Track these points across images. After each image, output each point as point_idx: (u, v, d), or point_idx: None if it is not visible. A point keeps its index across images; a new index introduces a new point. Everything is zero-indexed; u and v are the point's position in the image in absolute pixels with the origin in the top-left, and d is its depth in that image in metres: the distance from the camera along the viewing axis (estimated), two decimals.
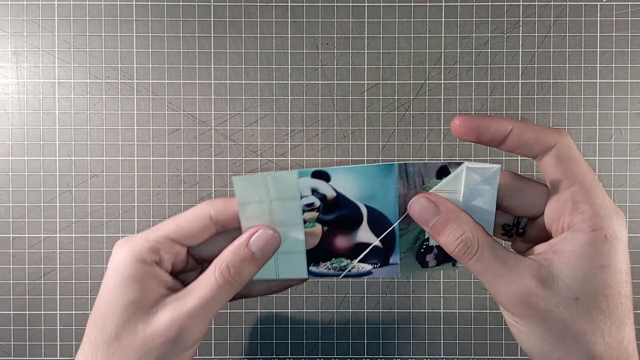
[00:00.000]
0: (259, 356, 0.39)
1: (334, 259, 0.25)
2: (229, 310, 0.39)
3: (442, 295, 0.39)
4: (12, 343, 0.38)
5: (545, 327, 0.21)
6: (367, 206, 0.23)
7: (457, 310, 0.39)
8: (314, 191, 0.23)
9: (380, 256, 0.25)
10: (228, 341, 0.39)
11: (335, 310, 0.39)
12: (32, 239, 0.38)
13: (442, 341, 0.39)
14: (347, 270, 0.25)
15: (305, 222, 0.24)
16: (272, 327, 0.39)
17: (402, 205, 0.23)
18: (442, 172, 0.23)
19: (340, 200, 0.23)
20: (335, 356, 0.39)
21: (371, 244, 0.24)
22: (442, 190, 0.23)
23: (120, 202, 0.39)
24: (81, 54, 0.39)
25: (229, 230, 0.25)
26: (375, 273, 0.25)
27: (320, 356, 0.39)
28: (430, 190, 0.23)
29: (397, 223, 0.23)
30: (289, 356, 0.39)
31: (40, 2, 0.38)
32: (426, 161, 0.23)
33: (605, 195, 0.21)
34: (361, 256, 0.24)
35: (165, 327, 0.22)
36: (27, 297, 0.38)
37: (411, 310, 0.39)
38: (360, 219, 0.24)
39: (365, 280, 0.39)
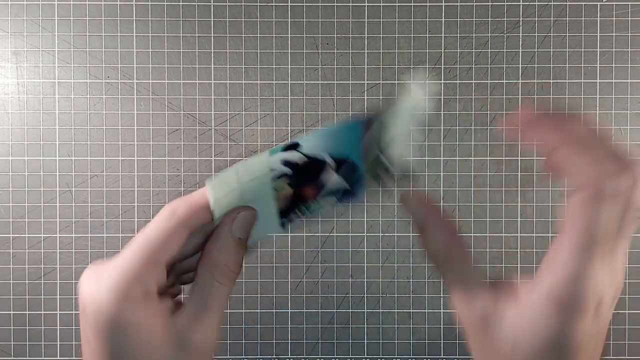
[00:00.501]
0: (259, 356, 0.39)
1: (301, 205, 0.25)
2: (229, 311, 0.39)
3: (442, 295, 0.39)
4: (12, 343, 0.38)
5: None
6: (330, 155, 0.24)
7: (457, 311, 0.39)
8: (285, 163, 0.24)
9: (349, 195, 0.26)
10: (228, 341, 0.39)
11: (335, 310, 0.39)
12: (32, 239, 0.38)
13: (442, 341, 0.39)
14: (311, 208, 0.26)
15: (276, 189, 0.24)
16: (272, 327, 0.39)
17: (363, 148, 0.24)
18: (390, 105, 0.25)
19: (309, 160, 0.24)
20: (335, 356, 0.39)
21: (341, 189, 0.25)
22: (392, 116, 0.25)
23: (120, 202, 0.39)
24: (81, 54, 0.39)
25: (200, 228, 0.24)
26: (342, 201, 0.26)
27: (320, 356, 0.39)
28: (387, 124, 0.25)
29: (361, 164, 0.25)
30: (289, 356, 0.39)
31: (40, 2, 0.38)
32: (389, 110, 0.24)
33: (590, 265, 0.19)
34: (325, 190, 0.25)
35: (202, 351, 0.22)
36: (27, 297, 0.38)
37: (411, 310, 0.39)
38: (322, 163, 0.24)
39: (365, 280, 0.39)
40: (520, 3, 0.39)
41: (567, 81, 0.39)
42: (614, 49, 0.39)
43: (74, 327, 0.38)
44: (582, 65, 0.39)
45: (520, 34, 0.39)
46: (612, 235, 0.19)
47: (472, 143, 0.39)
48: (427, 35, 0.39)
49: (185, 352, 0.22)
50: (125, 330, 0.21)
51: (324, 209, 0.26)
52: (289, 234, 0.39)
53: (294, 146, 0.24)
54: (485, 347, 0.21)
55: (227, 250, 0.23)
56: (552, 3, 0.39)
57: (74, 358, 0.38)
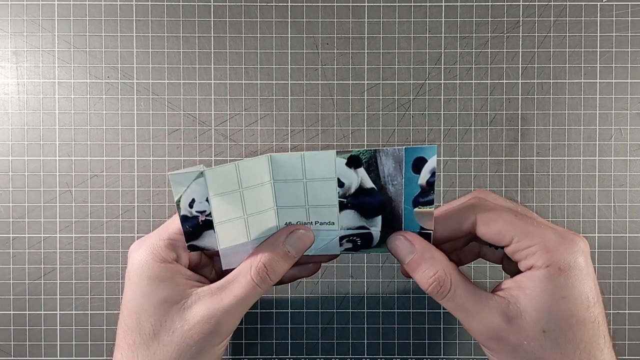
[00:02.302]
0: (259, 356, 0.39)
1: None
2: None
3: None
4: (12, 343, 0.38)
5: (517, 359, 0.22)
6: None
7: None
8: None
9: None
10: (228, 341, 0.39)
11: (335, 310, 0.39)
12: (32, 239, 0.38)
13: (442, 341, 0.39)
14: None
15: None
16: (272, 327, 0.39)
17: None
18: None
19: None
20: (335, 356, 0.39)
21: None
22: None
23: (120, 202, 0.39)
24: (81, 54, 0.39)
25: None
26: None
27: (320, 356, 0.39)
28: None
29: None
30: (289, 356, 0.39)
31: (40, 2, 0.38)
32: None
33: (546, 232, 0.22)
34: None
35: (203, 322, 0.23)
36: (27, 297, 0.38)
37: (411, 310, 0.39)
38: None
39: (365, 280, 0.39)
40: (520, 3, 0.39)
41: (567, 81, 0.39)
42: (614, 49, 0.39)
43: (74, 327, 0.38)
44: (582, 65, 0.39)
45: (520, 34, 0.39)
46: (514, 211, 0.25)
47: (472, 143, 0.39)
48: (427, 35, 0.39)
49: (184, 319, 0.23)
50: (149, 279, 0.24)
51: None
52: None
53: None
54: (515, 349, 0.22)
55: (272, 254, 0.24)
56: (552, 3, 0.39)
57: (74, 358, 0.38)
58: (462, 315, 0.23)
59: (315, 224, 0.25)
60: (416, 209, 0.24)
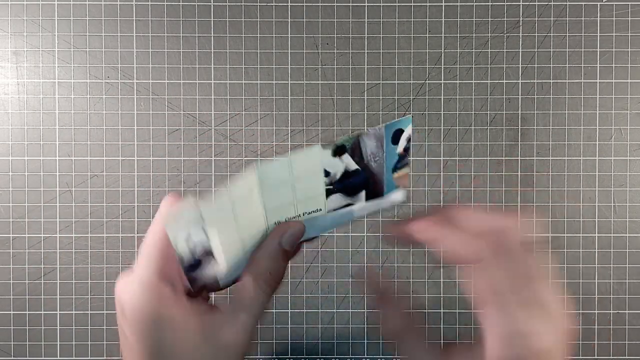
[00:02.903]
0: (259, 356, 0.39)
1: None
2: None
3: (442, 295, 0.39)
4: (12, 343, 0.38)
5: None
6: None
7: (457, 310, 0.39)
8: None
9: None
10: None
11: (335, 310, 0.39)
12: (32, 239, 0.38)
13: (442, 341, 0.39)
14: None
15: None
16: (272, 327, 0.39)
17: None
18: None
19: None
20: (335, 356, 0.39)
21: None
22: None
23: (120, 202, 0.39)
24: (81, 54, 0.39)
25: None
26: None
27: (320, 356, 0.39)
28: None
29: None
30: (289, 356, 0.39)
31: (40, 2, 0.38)
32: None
33: (510, 318, 0.21)
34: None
35: (236, 348, 0.23)
36: (27, 297, 0.38)
37: (411, 311, 0.39)
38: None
39: (365, 279, 0.39)
40: (520, 3, 0.39)
41: (567, 81, 0.39)
42: (614, 49, 0.39)
43: (73, 327, 0.38)
44: (582, 65, 0.39)
45: (520, 34, 0.39)
46: (502, 285, 0.22)
47: (472, 143, 0.39)
48: (427, 35, 0.39)
49: (217, 348, 0.22)
50: (164, 326, 0.22)
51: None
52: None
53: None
54: None
55: (273, 259, 0.24)
56: (552, 3, 0.39)
57: (74, 358, 0.38)
58: None
59: (303, 215, 0.25)
60: (394, 174, 0.26)
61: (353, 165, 0.25)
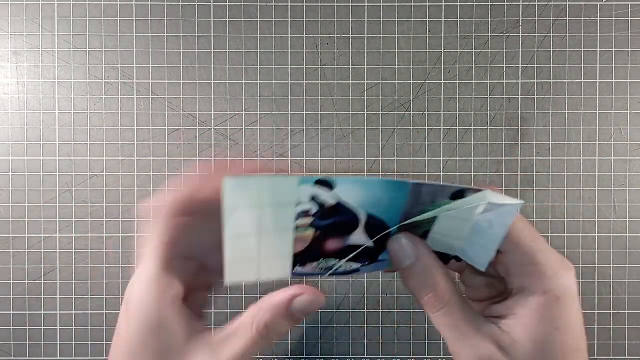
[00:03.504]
0: (259, 356, 0.39)
1: (321, 259, 0.24)
2: (229, 311, 0.39)
3: None
4: (12, 343, 0.38)
5: None
6: (367, 213, 0.22)
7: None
8: (313, 198, 0.22)
9: (369, 256, 0.24)
10: None
11: (335, 310, 0.39)
12: (32, 239, 0.38)
13: (442, 341, 0.39)
14: (333, 269, 0.24)
15: (297, 227, 0.22)
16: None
17: (403, 214, 0.22)
18: (458, 195, 0.22)
19: (339, 208, 0.22)
20: (335, 356, 0.39)
21: (363, 245, 0.23)
22: (449, 213, 0.22)
23: (120, 202, 0.39)
24: (81, 54, 0.39)
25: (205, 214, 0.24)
26: (363, 270, 0.25)
27: (320, 356, 0.39)
28: (439, 209, 0.22)
29: (394, 228, 0.23)
30: (289, 356, 0.39)
31: (40, 2, 0.38)
32: (444, 184, 0.22)
33: (548, 254, 0.22)
34: (351, 256, 0.24)
35: None
36: (27, 297, 0.38)
37: (411, 310, 0.39)
38: (356, 224, 0.23)
39: (365, 280, 0.39)
40: (520, 3, 0.39)
41: (567, 81, 0.39)
42: (614, 49, 0.39)
43: (74, 327, 0.38)
44: (582, 65, 0.39)
45: (520, 34, 0.39)
46: (532, 228, 0.23)
47: (472, 143, 0.39)
48: (427, 35, 0.39)
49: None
50: (163, 328, 0.22)
51: (344, 269, 0.24)
52: None
53: (328, 185, 0.21)
54: None
55: (276, 315, 0.23)
56: (552, 3, 0.39)
57: (74, 358, 0.38)
58: (453, 335, 0.22)
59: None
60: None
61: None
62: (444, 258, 0.25)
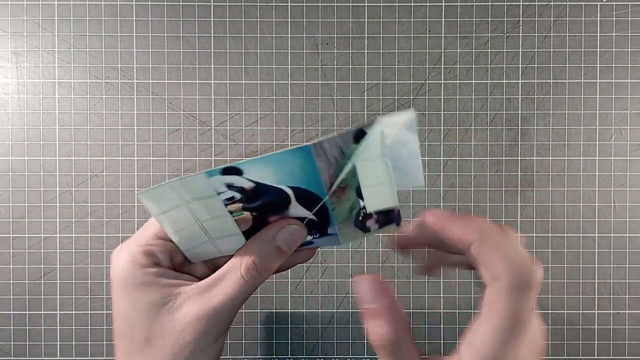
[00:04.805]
0: (259, 356, 0.39)
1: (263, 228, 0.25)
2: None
3: (442, 295, 0.39)
4: (12, 343, 0.38)
5: None
6: (290, 187, 0.23)
7: (457, 310, 0.39)
8: (230, 186, 0.22)
9: (317, 228, 0.25)
10: (228, 341, 0.39)
11: (335, 310, 0.39)
12: (32, 239, 0.38)
13: (442, 341, 0.39)
14: None
15: (231, 212, 0.23)
16: (272, 327, 0.39)
17: (326, 180, 0.22)
18: (359, 135, 0.22)
19: (260, 189, 0.23)
20: (335, 356, 0.39)
21: (306, 217, 0.24)
22: (362, 158, 0.22)
23: (120, 202, 0.39)
24: (81, 54, 0.39)
25: None
26: (317, 242, 0.25)
27: (320, 356, 0.39)
28: (353, 157, 0.22)
29: (326, 198, 0.23)
30: (289, 356, 0.39)
31: (40, 2, 0.38)
32: (341, 132, 0.22)
33: (489, 342, 0.19)
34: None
35: (194, 322, 0.22)
36: (27, 297, 0.38)
37: (411, 310, 0.39)
38: (287, 199, 0.23)
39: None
40: (520, 3, 0.39)
41: (567, 81, 0.39)
42: (614, 49, 0.39)
43: (74, 327, 0.38)
44: (582, 65, 0.39)
45: (520, 34, 0.39)
46: (529, 318, 0.20)
47: (472, 143, 0.39)
48: (427, 35, 0.39)
49: (175, 321, 0.23)
50: (129, 292, 0.23)
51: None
52: None
53: (236, 171, 0.22)
54: None
55: (262, 251, 0.23)
56: (552, 3, 0.39)
57: (73, 358, 0.38)
58: None
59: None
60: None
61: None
62: (388, 217, 0.25)
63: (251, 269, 0.23)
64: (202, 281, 0.24)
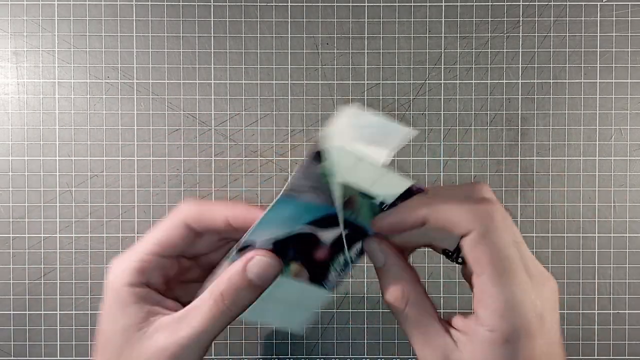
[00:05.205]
0: (259, 356, 0.39)
1: (330, 265, 0.25)
2: None
3: (442, 295, 0.39)
4: (12, 343, 0.38)
5: None
6: (303, 225, 0.23)
7: (457, 310, 0.39)
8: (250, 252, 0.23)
9: (359, 235, 0.25)
10: (228, 341, 0.39)
11: (335, 310, 0.39)
12: (32, 239, 0.38)
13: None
14: (347, 260, 0.25)
15: (283, 272, 0.24)
16: (272, 327, 0.39)
17: (326, 200, 0.23)
18: (318, 156, 0.22)
19: (279, 244, 0.23)
20: (335, 356, 0.39)
21: (341, 233, 0.24)
22: (342, 171, 0.23)
23: (120, 202, 0.39)
24: (81, 54, 0.39)
25: (211, 233, 0.25)
26: (356, 260, 0.26)
27: (320, 356, 0.39)
28: (331, 175, 0.23)
29: (339, 208, 0.23)
30: (289, 356, 0.39)
31: (40, 2, 0.38)
32: (298, 168, 0.22)
33: (515, 288, 0.20)
34: (345, 243, 0.25)
35: (159, 353, 0.22)
36: (27, 297, 0.38)
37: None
38: (309, 234, 0.24)
39: (365, 279, 0.39)
40: (520, 3, 0.39)
41: (567, 81, 0.39)
42: (614, 49, 0.39)
43: (74, 327, 0.38)
44: (582, 65, 0.39)
45: (520, 34, 0.39)
46: (515, 255, 0.20)
47: (472, 143, 0.39)
48: (427, 35, 0.39)
49: (144, 348, 0.22)
50: (118, 303, 0.23)
51: (356, 251, 0.25)
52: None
53: (247, 247, 0.23)
54: None
55: (232, 283, 0.22)
56: (552, 3, 0.39)
57: (74, 358, 0.38)
58: (410, 338, 0.23)
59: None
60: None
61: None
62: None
63: (218, 302, 0.22)
64: (178, 312, 0.23)
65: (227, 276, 0.23)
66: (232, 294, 0.22)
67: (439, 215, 0.22)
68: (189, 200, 0.25)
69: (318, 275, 0.25)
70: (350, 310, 0.39)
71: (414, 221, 0.22)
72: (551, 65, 0.39)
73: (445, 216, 0.21)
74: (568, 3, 0.39)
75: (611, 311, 0.39)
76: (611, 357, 0.39)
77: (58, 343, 0.38)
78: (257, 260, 0.23)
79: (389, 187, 0.23)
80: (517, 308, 0.20)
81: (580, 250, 0.39)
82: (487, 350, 0.20)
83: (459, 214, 0.21)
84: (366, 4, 0.39)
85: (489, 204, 0.21)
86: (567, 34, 0.39)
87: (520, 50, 0.39)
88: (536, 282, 0.21)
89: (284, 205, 0.22)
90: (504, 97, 0.39)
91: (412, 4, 0.39)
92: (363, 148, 0.22)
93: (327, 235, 0.24)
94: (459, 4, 0.39)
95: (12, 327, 0.38)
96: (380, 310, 0.39)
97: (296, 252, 0.24)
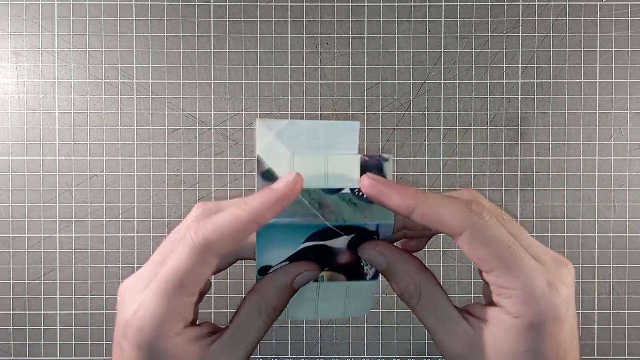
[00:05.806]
0: (259, 356, 0.39)
1: (361, 263, 0.25)
2: (229, 311, 0.39)
3: None
4: (12, 343, 0.38)
5: None
6: (305, 242, 0.24)
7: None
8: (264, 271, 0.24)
9: (366, 235, 0.25)
10: None
11: None
12: (32, 239, 0.38)
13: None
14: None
15: (317, 280, 0.25)
16: (272, 327, 0.39)
17: (305, 217, 0.23)
18: (266, 174, 0.22)
19: (297, 254, 0.24)
20: (335, 356, 0.39)
21: (349, 238, 0.24)
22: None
23: (120, 202, 0.39)
24: (81, 54, 0.39)
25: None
26: (383, 232, 0.25)
27: (320, 356, 0.39)
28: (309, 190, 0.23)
29: (322, 219, 0.24)
30: (289, 356, 0.39)
31: (40, 2, 0.38)
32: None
33: (529, 275, 0.20)
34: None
35: None
36: (27, 297, 0.38)
37: (411, 310, 0.39)
38: (316, 246, 0.24)
39: None
40: (520, 3, 0.39)
41: (567, 81, 0.39)
42: (614, 49, 0.39)
43: (73, 327, 0.38)
44: (582, 65, 0.39)
45: (520, 34, 0.39)
46: (515, 245, 0.21)
47: (472, 143, 0.39)
48: (427, 35, 0.39)
49: None
50: (164, 357, 0.21)
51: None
52: None
53: (268, 267, 0.24)
54: None
55: (283, 296, 0.24)
56: (552, 3, 0.39)
57: (74, 358, 0.38)
58: (428, 328, 0.23)
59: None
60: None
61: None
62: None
63: (272, 315, 0.24)
64: (224, 334, 0.23)
65: (277, 290, 0.24)
66: (282, 305, 0.24)
67: (430, 211, 0.21)
68: (203, 226, 0.21)
69: (354, 274, 0.25)
70: None
71: (399, 204, 0.22)
72: (551, 65, 0.39)
73: (436, 216, 0.21)
74: (568, 3, 0.39)
75: (611, 311, 0.39)
76: (611, 357, 0.39)
77: (58, 343, 0.38)
78: (305, 276, 0.24)
79: (340, 168, 0.23)
80: (537, 294, 0.20)
81: (580, 250, 0.39)
82: (511, 335, 0.21)
83: (450, 214, 0.21)
84: (366, 4, 0.39)
85: (476, 204, 0.21)
86: (567, 34, 0.39)
87: (520, 50, 0.39)
88: (552, 266, 0.21)
89: (270, 231, 0.23)
90: (504, 97, 0.39)
91: (412, 4, 0.39)
92: (293, 150, 0.23)
93: (338, 243, 0.24)
94: (459, 4, 0.39)
95: (12, 327, 0.38)
96: (380, 311, 0.39)
97: (319, 261, 0.24)
